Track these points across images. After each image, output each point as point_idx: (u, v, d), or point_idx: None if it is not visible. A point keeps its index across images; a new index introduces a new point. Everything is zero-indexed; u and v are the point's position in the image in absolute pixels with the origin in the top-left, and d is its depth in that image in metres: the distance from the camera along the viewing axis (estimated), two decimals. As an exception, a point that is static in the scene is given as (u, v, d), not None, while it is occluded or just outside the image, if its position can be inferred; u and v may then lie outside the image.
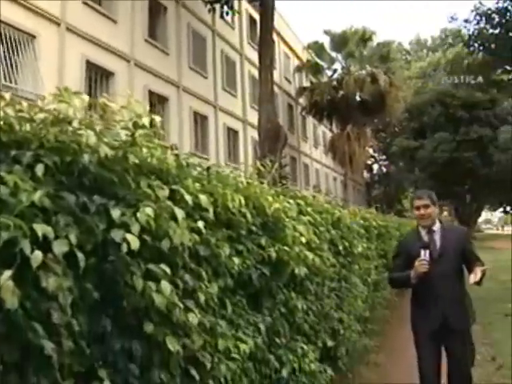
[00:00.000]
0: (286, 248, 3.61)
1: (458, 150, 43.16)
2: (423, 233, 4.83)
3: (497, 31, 20.85)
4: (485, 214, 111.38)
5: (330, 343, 5.24)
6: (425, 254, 4.56)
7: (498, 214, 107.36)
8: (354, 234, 6.66)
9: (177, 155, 2.84)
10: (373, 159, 60.83)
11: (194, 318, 2.27)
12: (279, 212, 3.67)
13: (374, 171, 62.95)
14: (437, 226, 4.84)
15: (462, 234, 4.99)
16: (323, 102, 37.39)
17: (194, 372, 2.52)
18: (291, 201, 4.11)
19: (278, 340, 4.06)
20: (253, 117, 25.68)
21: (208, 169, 3.18)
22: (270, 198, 3.53)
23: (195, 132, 24.37)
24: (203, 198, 2.38)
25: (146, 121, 2.23)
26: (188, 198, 2.26)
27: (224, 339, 2.70)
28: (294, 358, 4.24)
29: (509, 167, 39.91)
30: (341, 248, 5.90)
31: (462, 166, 43.06)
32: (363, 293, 7.30)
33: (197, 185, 2.74)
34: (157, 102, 21.73)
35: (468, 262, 4.74)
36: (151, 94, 21.20)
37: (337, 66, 42.04)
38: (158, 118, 2.30)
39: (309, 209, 4.83)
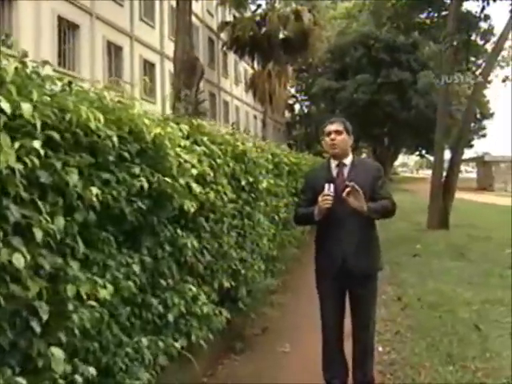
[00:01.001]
0: (167, 179, 3.16)
1: (378, 93, 43.52)
2: (333, 166, 4.41)
3: (420, -28, 20.59)
4: (401, 158, 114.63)
5: (226, 284, 4.90)
6: (329, 189, 4.09)
7: (413, 158, 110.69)
8: (260, 169, 6.28)
9: (23, 63, 2.31)
10: (294, 99, 60.66)
11: (18, 259, 1.80)
12: (162, 138, 3.20)
13: (296, 111, 62.88)
14: (348, 160, 4.40)
15: (375, 169, 4.49)
16: (245, 37, 36.42)
17: (34, 324, 2.09)
18: (175, 125, 3.61)
19: (163, 282, 3.67)
20: (171, 50, 24.63)
21: (70, 83, 2.66)
22: (147, 121, 3.03)
23: (109, 63, 23.19)
24: (26, 106, 1.86)
25: None
26: (5, 105, 1.76)
27: (75, 284, 2.25)
28: (182, 302, 3.87)
29: (427, 112, 40.65)
30: (244, 183, 5.51)
31: (381, 109, 43.53)
32: (270, 231, 7.00)
33: (46, 98, 2.23)
34: (67, 29, 20.42)
35: (378, 200, 4.42)
36: (60, 19, 19.87)
37: (261, 1, 41.06)
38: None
39: (204, 138, 4.38)
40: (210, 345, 4.54)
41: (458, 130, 18.21)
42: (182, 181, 3.38)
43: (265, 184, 6.14)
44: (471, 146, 78.91)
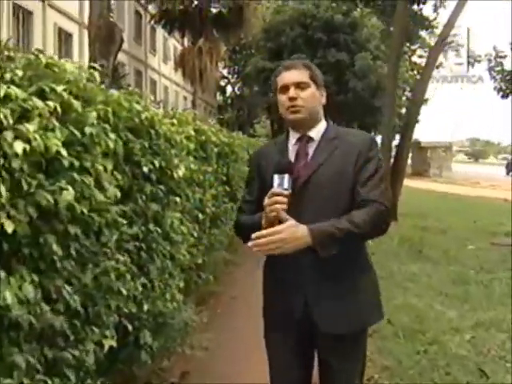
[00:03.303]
0: None
1: (314, 74, 41.95)
2: (292, 142, 2.49)
3: None
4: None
5: (110, 342, 2.88)
6: (280, 184, 2.24)
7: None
8: (177, 149, 4.28)
9: None
10: (226, 81, 58.44)
11: None
12: None
13: (228, 94, 60.67)
14: (317, 131, 2.48)
15: (363, 145, 2.45)
16: (175, 11, 33.83)
17: None
18: None
19: None
20: (91, 19, 21.95)
21: None
22: None
23: (16, 30, 20.33)
24: None
25: None
26: None
27: None
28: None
29: (363, 95, 39.56)
30: (146, 169, 3.50)
31: (317, 91, 41.91)
32: (192, 235, 5.03)
33: None
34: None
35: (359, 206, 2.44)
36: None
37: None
38: None
39: (59, 88, 2.34)
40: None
41: (406, 112, 16.74)
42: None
43: (182, 171, 4.11)
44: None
